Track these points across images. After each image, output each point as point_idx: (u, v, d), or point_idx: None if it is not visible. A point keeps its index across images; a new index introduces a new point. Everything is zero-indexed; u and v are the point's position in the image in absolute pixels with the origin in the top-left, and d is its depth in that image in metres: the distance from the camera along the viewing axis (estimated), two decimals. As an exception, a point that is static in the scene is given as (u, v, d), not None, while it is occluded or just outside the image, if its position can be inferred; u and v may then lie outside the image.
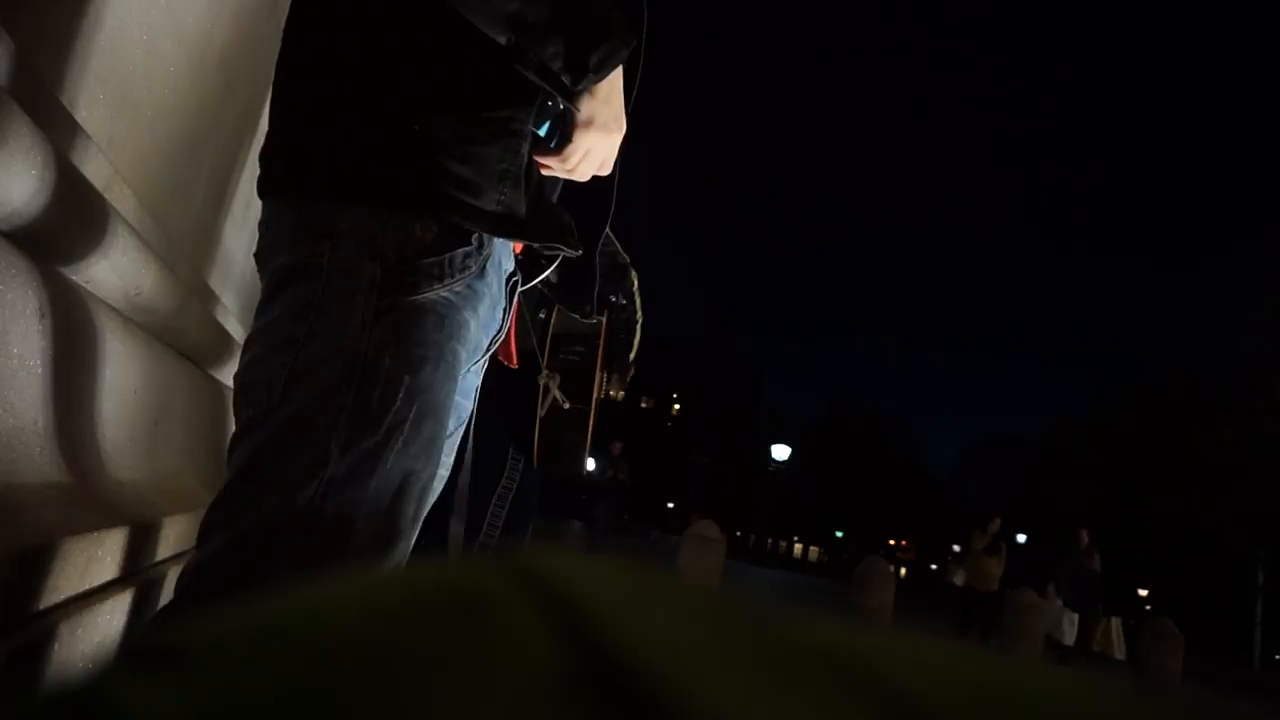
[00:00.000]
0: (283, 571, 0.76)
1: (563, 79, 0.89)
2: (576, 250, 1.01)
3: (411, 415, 0.82)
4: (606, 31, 0.90)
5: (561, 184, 1.11)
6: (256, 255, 0.92)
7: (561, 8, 0.86)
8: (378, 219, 0.83)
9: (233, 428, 0.84)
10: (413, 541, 0.86)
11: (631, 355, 2.17)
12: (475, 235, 0.88)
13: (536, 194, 0.94)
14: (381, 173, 0.84)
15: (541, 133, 0.96)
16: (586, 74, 0.89)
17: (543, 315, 1.78)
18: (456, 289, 0.86)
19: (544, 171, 0.99)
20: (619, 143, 1.00)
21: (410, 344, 0.82)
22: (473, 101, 0.86)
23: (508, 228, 0.89)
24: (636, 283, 2.04)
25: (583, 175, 1.01)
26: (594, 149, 0.97)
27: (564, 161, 0.97)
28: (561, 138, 0.97)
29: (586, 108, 0.94)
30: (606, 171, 1.03)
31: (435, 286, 0.84)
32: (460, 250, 0.86)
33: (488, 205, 0.87)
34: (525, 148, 0.90)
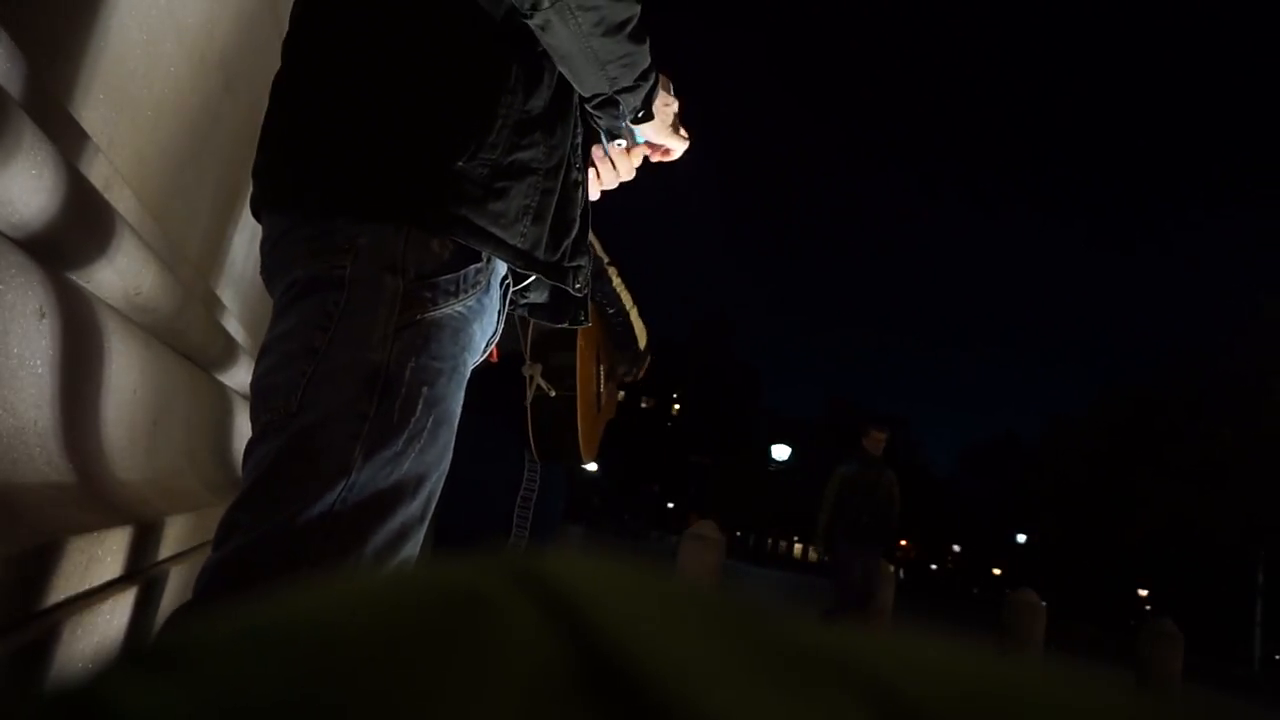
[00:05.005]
0: (299, 572, 0.78)
1: (637, 117, 1.05)
2: (581, 294, 1.06)
3: (429, 424, 0.85)
4: (655, 76, 1.03)
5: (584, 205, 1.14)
6: (264, 272, 0.94)
7: (640, 64, 0.98)
8: (397, 235, 0.86)
9: (233, 428, 0.85)
10: (420, 540, 0.88)
11: (641, 345, 2.13)
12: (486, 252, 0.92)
13: (557, 225, 0.99)
14: (417, 200, 0.86)
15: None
16: (651, 117, 1.06)
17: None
18: (469, 303, 0.89)
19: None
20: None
21: (428, 357, 0.85)
22: (511, 141, 0.91)
23: (528, 262, 0.94)
24: (617, 277, 2.00)
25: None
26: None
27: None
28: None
29: (646, 131, 1.10)
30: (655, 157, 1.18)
31: (451, 302, 0.88)
32: (473, 267, 0.90)
33: (512, 239, 0.91)
34: (550, 184, 0.95)
